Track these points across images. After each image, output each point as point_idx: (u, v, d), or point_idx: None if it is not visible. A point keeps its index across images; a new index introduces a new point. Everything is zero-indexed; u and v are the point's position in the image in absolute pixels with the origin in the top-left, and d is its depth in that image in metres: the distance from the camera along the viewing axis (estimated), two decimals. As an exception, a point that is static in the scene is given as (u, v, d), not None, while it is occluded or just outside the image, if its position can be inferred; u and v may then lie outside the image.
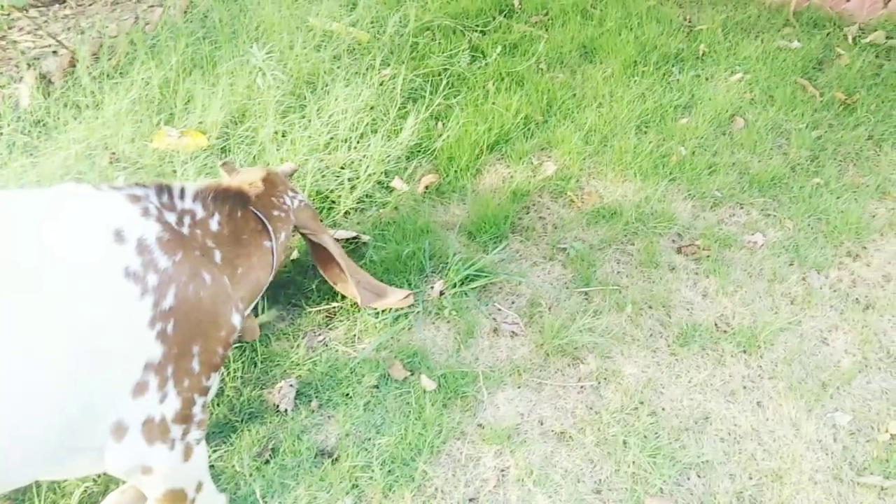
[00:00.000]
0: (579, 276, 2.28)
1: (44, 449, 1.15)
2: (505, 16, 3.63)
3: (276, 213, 1.78)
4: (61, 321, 1.13)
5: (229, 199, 1.63)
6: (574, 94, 3.07)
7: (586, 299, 2.23)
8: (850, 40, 3.52)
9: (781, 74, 3.27)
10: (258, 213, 1.73)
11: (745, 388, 2.00)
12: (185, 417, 1.34)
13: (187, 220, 1.48)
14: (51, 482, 1.64)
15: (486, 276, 2.22)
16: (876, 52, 3.43)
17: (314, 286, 2.16)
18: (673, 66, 3.31)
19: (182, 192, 1.49)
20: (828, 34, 3.57)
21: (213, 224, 1.54)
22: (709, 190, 2.65)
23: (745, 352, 2.09)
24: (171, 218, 1.42)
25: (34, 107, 2.55)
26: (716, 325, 2.17)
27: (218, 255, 1.53)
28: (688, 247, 2.43)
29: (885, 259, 2.40)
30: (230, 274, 1.54)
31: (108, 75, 2.81)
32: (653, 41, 3.43)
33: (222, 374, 1.84)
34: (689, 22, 3.69)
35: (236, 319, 1.45)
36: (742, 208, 2.61)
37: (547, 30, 3.53)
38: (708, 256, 2.38)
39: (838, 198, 2.63)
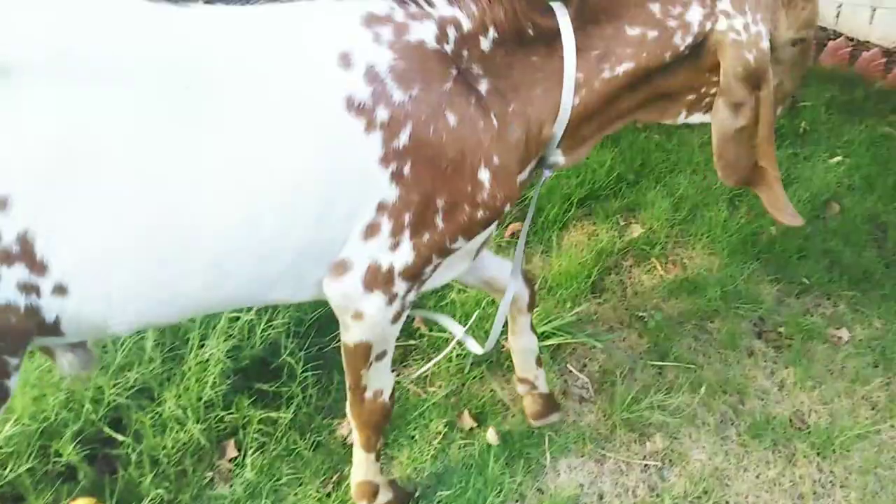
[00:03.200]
0: (655, 348, 2.20)
1: (272, 265, 1.14)
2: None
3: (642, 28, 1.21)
4: (275, 148, 1.07)
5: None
6: (668, 158, 2.98)
7: (660, 374, 2.14)
8: (961, 135, 3.32)
9: (884, 163, 3.10)
10: (558, 13, 1.22)
11: (815, 493, 1.88)
12: (414, 275, 1.22)
13: (451, 32, 1.15)
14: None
15: (561, 335, 2.17)
16: None
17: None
18: (771, 140, 3.18)
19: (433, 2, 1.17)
20: (939, 126, 3.38)
21: (485, 42, 1.18)
22: (797, 276, 2.53)
23: (819, 454, 1.97)
24: (426, 32, 1.13)
25: None
26: (791, 420, 2.06)
27: (484, 85, 1.18)
28: (769, 332, 2.31)
29: (979, 376, 2.22)
30: (498, 112, 1.19)
31: None
32: (753, 112, 3.31)
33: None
34: (794, 97, 3.54)
35: (484, 175, 1.17)
36: (829, 299, 2.47)
37: (647, 88, 3.46)
38: (789, 346, 2.26)
39: (934, 302, 2.46)
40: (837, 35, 3.72)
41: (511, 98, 1.21)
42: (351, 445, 1.82)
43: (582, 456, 1.90)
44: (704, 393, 2.08)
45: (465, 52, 1.16)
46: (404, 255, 1.18)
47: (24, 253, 0.95)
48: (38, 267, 0.96)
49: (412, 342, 2.12)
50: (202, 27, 1.08)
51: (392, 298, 1.22)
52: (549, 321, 2.17)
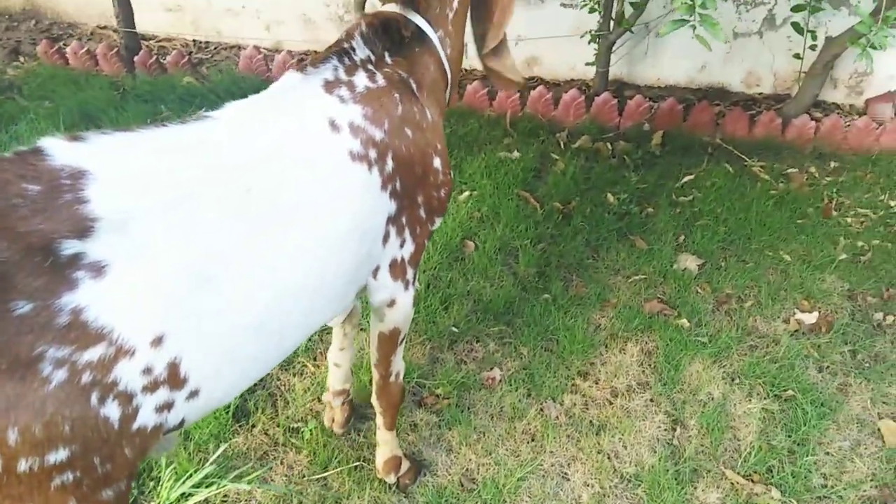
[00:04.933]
0: (316, 459, 2.17)
1: (338, 297, 1.48)
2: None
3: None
4: (324, 207, 1.37)
5: (386, 22, 1.65)
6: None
7: (324, 487, 2.11)
8: (562, 146, 3.90)
9: (505, 188, 3.50)
10: (409, 17, 1.69)
11: (494, 555, 1.99)
12: (416, 261, 1.70)
13: (373, 68, 1.58)
14: None
15: (208, 486, 2.03)
16: (585, 156, 3.82)
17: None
18: (402, 192, 3.40)
19: (353, 48, 1.58)
20: (543, 141, 3.93)
21: (388, 58, 1.62)
22: (445, 326, 2.71)
23: (491, 511, 2.10)
24: (363, 79, 1.54)
25: None
26: (461, 483, 2.17)
27: (413, 84, 1.64)
28: (428, 398, 2.43)
29: (610, 373, 2.58)
30: (424, 95, 1.66)
31: None
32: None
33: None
34: (417, 140, 3.85)
35: (437, 162, 1.65)
36: (479, 342, 2.68)
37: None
38: (449, 406, 2.40)
39: (566, 313, 2.81)
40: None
41: (424, 86, 1.67)
42: None
43: None
44: (372, 491, 2.10)
45: (387, 71, 1.59)
46: (408, 247, 1.64)
47: (171, 376, 1.09)
48: (180, 383, 1.11)
49: None
50: (235, 133, 1.31)
51: (407, 284, 1.70)
52: (190, 475, 2.02)
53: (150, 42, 4.73)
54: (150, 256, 1.07)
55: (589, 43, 4.23)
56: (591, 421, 2.40)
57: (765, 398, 2.50)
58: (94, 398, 1.00)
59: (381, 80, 1.57)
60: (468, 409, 2.41)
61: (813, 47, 3.89)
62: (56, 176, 1.03)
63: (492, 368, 2.56)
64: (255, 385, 2.41)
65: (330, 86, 1.50)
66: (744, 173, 3.74)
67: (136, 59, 4.18)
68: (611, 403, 2.47)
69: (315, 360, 2.53)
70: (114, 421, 1.03)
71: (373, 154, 1.48)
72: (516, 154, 3.79)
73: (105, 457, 1.04)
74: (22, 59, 4.36)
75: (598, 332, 2.75)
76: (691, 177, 3.68)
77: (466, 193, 3.45)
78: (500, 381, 2.52)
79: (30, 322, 0.94)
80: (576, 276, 3.04)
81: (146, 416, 1.09)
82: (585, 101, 4.08)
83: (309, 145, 1.40)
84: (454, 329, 2.71)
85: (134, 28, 4.19)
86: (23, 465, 0.95)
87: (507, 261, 3.09)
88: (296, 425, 2.28)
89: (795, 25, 3.84)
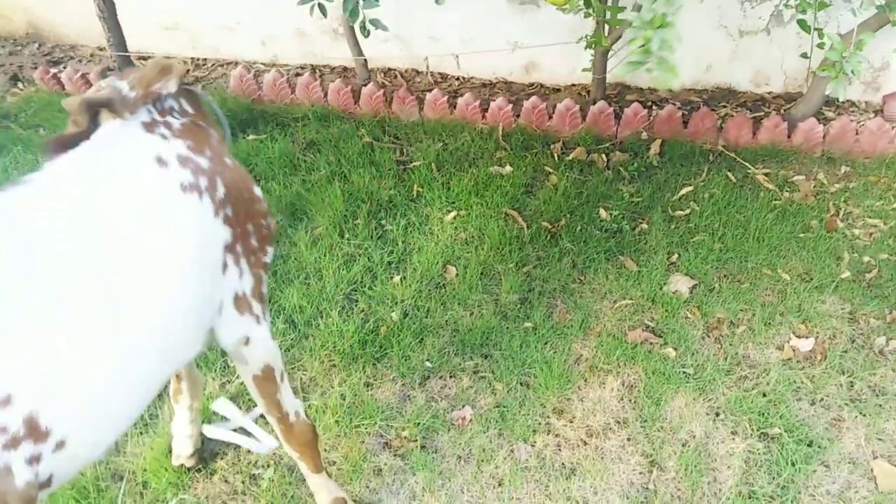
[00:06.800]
0: (272, 511, 2.14)
1: (191, 334, 1.48)
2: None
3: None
4: (164, 243, 1.38)
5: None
6: (276, 271, 2.97)
7: (278, 541, 2.08)
8: (556, 158, 3.77)
9: (494, 206, 3.40)
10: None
11: None
12: (260, 294, 1.65)
13: (178, 116, 1.60)
14: None
15: (160, 542, 2.01)
16: (580, 168, 3.68)
17: None
18: (385, 215, 3.34)
19: (158, 98, 1.58)
20: (536, 154, 3.80)
21: (188, 108, 1.66)
22: (419, 361, 2.64)
23: (450, 565, 2.03)
24: (175, 120, 1.58)
25: None
26: (422, 535, 2.11)
27: (213, 135, 1.66)
28: (394, 440, 2.37)
29: (587, 410, 2.48)
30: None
31: None
32: (365, 188, 3.45)
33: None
34: (406, 157, 3.77)
35: (258, 191, 1.67)
36: (453, 377, 2.61)
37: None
38: (414, 449, 2.33)
39: (546, 343, 2.71)
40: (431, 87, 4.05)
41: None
42: None
43: None
44: (328, 545, 2.05)
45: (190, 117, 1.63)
46: (247, 279, 1.60)
47: (30, 430, 1.12)
48: (43, 435, 1.14)
49: None
50: (57, 190, 1.32)
51: (258, 318, 1.65)
52: (141, 532, 2.00)
53: (148, 62, 4.73)
54: None
55: (585, 49, 4.08)
56: (562, 464, 2.31)
57: (750, 436, 2.37)
58: None
59: (187, 120, 1.63)
60: (436, 451, 2.34)
61: (821, 45, 3.67)
62: None
63: (463, 406, 2.49)
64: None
65: (149, 126, 1.53)
66: (746, 182, 3.56)
67: (129, 81, 4.16)
68: (585, 444, 2.37)
69: (282, 400, 2.48)
70: None
71: (203, 182, 1.50)
72: (508, 169, 3.67)
73: None
74: (21, 85, 4.40)
75: (578, 365, 2.64)
76: (690, 188, 3.52)
77: (453, 214, 3.36)
78: (471, 420, 2.44)
79: None
80: (560, 301, 2.93)
81: (23, 472, 1.12)
82: (581, 110, 3.93)
83: (138, 185, 1.42)
84: (428, 364, 2.64)
85: (126, 50, 4.19)
86: None
87: (490, 287, 3.00)
88: (256, 471, 2.24)
89: (802, 23, 3.63)
